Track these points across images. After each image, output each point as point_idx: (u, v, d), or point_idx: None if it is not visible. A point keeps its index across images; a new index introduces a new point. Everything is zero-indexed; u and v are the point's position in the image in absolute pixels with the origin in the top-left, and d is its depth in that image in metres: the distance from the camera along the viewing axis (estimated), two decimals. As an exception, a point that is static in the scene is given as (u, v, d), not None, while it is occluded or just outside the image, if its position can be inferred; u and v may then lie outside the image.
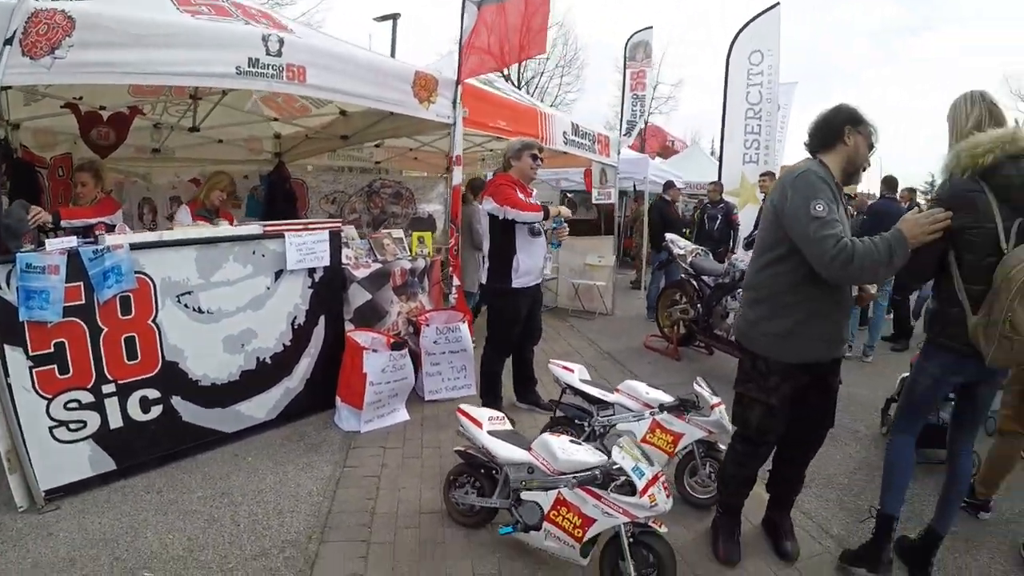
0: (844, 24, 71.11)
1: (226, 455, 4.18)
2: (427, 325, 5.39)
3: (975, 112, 2.89)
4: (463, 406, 3.49)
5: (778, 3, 9.84)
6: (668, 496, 2.79)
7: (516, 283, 4.74)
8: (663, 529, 2.81)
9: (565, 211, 5.02)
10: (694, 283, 7.17)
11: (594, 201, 9.42)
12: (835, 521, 3.68)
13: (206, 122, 6.56)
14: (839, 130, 2.85)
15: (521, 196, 4.65)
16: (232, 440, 4.37)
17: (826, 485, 4.14)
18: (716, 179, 10.06)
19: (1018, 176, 2.61)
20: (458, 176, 5.85)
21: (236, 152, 8.25)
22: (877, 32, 73.80)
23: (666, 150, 24.42)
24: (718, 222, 9.29)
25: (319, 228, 4.86)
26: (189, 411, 4.15)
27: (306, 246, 4.70)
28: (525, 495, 3.02)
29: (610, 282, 9.74)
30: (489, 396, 4.96)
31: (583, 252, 9.84)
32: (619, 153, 9.54)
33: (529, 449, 3.09)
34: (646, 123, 31.33)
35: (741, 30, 10.18)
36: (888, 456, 3.17)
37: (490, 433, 3.25)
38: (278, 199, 8.25)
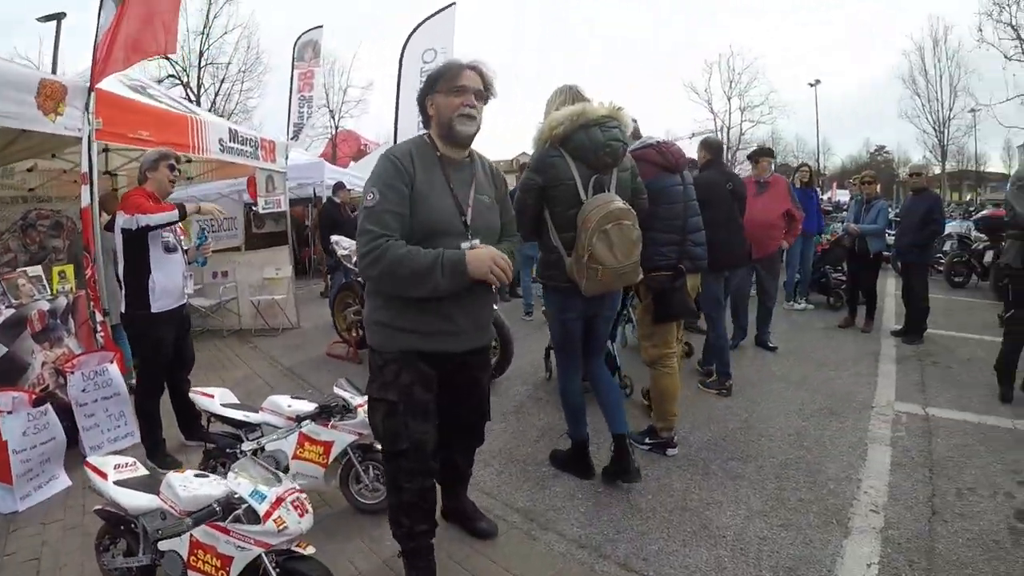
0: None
1: None
2: (72, 372, 4.64)
3: (560, 99, 3.53)
4: (90, 458, 3.06)
5: (454, 3, 10.22)
6: (303, 514, 2.53)
7: (155, 307, 4.31)
8: (309, 550, 2.57)
9: (208, 206, 4.65)
10: (362, 282, 7.02)
11: (260, 210, 8.88)
12: (520, 494, 3.82)
13: None
14: (423, 104, 2.77)
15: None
16: None
17: (507, 461, 4.31)
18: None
19: (588, 141, 3.27)
20: (86, 197, 5.03)
21: None
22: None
23: (360, 153, 24.05)
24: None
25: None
26: None
27: (-87, 301, 3.79)
28: (163, 545, 2.67)
29: (290, 293, 9.28)
30: (150, 439, 4.48)
31: (261, 266, 9.30)
32: (287, 158, 9.15)
33: (159, 493, 2.75)
34: (336, 128, 30.92)
35: (416, 28, 10.36)
36: (562, 396, 3.86)
37: (116, 483, 2.85)
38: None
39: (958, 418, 4.82)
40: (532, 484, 3.96)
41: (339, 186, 10.45)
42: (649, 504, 3.64)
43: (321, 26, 12.14)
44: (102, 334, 5.07)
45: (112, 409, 4.81)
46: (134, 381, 4.83)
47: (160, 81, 25.88)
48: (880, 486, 3.77)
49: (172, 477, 2.72)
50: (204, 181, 9.53)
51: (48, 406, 4.23)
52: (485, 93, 2.75)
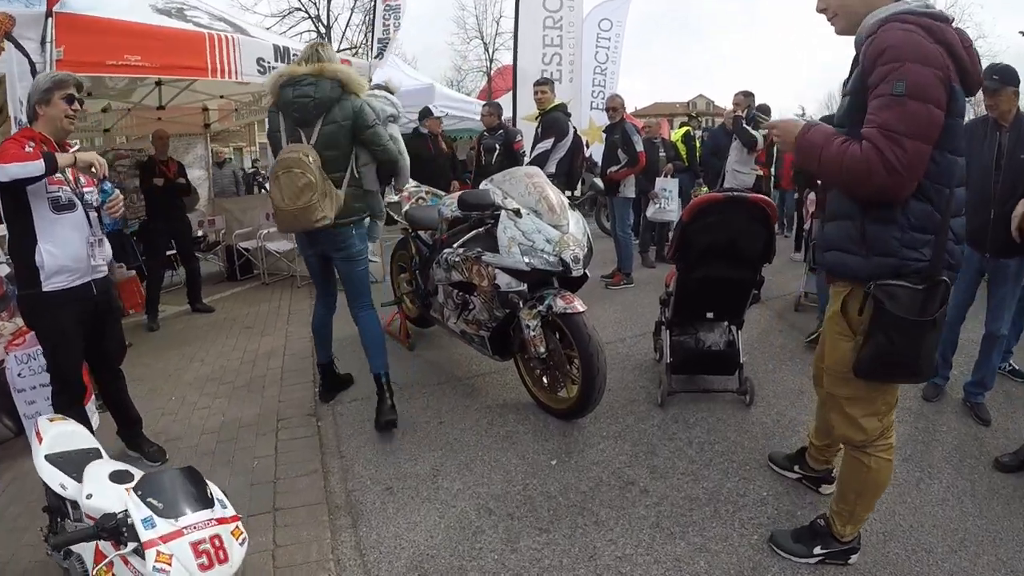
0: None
1: None
2: (8, 352, 3.82)
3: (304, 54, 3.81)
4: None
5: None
6: (212, 564, 1.69)
7: (48, 286, 3.11)
8: None
9: (86, 156, 3.15)
10: (413, 242, 5.35)
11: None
12: None
13: None
14: None
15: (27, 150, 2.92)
16: None
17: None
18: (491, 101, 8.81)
19: (283, 99, 3.68)
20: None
21: None
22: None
23: (518, 88, 22.85)
24: (496, 153, 7.47)
25: None
26: None
27: None
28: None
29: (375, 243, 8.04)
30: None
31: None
32: (371, 80, 7.84)
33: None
34: (491, 62, 29.62)
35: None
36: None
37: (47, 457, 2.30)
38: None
39: None
40: None
41: (425, 113, 8.74)
42: None
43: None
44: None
45: (55, 400, 3.94)
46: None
47: (284, 16, 25.69)
48: None
49: (91, 468, 2.14)
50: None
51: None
52: None
